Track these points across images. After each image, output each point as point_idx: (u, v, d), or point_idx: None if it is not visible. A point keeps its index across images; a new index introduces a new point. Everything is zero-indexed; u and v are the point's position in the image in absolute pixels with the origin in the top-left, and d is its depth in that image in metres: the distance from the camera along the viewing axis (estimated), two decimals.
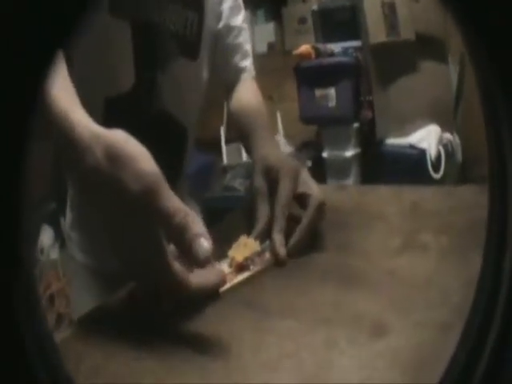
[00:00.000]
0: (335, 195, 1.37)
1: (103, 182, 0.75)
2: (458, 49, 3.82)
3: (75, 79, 0.96)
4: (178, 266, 0.77)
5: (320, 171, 4.06)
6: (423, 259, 0.92)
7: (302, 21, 5.41)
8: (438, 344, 0.67)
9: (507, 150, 0.50)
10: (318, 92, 4.01)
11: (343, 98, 3.94)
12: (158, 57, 1.32)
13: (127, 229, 0.78)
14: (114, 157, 0.74)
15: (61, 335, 0.83)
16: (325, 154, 4.03)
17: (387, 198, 1.32)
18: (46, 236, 4.37)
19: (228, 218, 1.38)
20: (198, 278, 0.79)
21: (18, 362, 0.50)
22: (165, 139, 1.41)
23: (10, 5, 0.42)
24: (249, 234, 1.01)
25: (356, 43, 4.11)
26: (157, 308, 0.83)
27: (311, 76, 4.07)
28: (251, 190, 1.15)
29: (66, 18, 0.46)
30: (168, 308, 0.82)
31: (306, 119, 4.19)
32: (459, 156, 3.94)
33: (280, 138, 4.92)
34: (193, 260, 0.74)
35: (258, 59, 5.68)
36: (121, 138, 0.78)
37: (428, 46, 4.05)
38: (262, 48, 5.79)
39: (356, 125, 3.98)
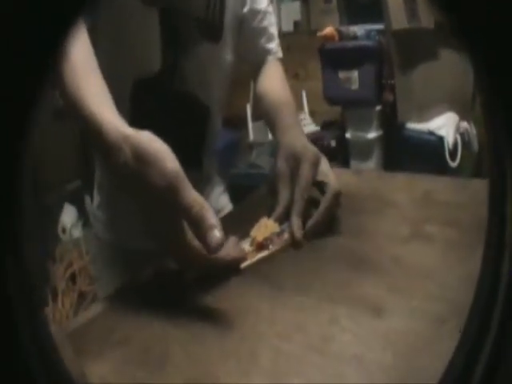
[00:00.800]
0: (353, 180, 1.45)
1: (132, 177, 0.86)
2: None
3: (104, 64, 1.06)
4: (197, 243, 0.87)
5: (343, 151, 4.21)
6: (428, 250, 0.99)
7: (328, 0, 5.47)
8: (430, 334, 0.74)
9: (506, 153, 0.51)
10: (342, 74, 4.09)
11: (366, 80, 4.02)
12: (180, 41, 1.37)
13: (154, 212, 0.89)
14: (141, 156, 0.85)
15: (91, 312, 0.91)
16: (348, 135, 4.13)
17: (402, 186, 1.38)
18: (69, 215, 4.44)
19: (251, 196, 1.45)
20: (221, 253, 0.87)
21: (17, 362, 0.52)
22: (188, 119, 1.46)
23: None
24: (269, 214, 1.09)
25: (379, 26, 4.16)
26: (180, 281, 0.93)
27: (335, 58, 4.15)
28: (274, 173, 1.21)
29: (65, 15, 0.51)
30: (190, 280, 0.92)
31: (330, 99, 4.27)
32: (475, 145, 3.98)
33: (305, 116, 4.97)
34: (206, 247, 0.84)
35: (284, 38, 5.73)
36: (147, 139, 0.88)
37: (448, 36, 4.04)
38: (289, 26, 5.80)
39: (378, 107, 4.06)
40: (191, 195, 0.86)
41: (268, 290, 0.88)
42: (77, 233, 4.33)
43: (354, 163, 4.11)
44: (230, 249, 0.94)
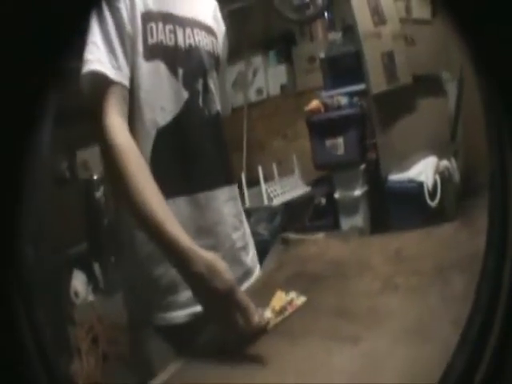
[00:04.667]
0: (340, 248, 1.89)
1: (203, 284, 1.35)
2: (457, 70, 4.33)
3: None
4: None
5: (332, 209, 4.67)
6: (395, 298, 1.34)
7: (311, 60, 5.85)
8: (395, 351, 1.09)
9: (508, 154, 0.63)
10: (328, 142, 4.60)
11: (350, 145, 4.52)
12: (191, 77, 1.75)
13: (215, 307, 1.39)
14: (212, 270, 1.34)
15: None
16: (336, 195, 4.60)
17: (378, 248, 1.78)
18: (79, 279, 4.70)
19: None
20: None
21: (17, 362, 0.65)
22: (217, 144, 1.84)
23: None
24: (283, 288, 1.51)
25: (360, 87, 4.64)
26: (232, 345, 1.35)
27: (321, 128, 4.66)
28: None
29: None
30: (234, 344, 1.34)
31: (319, 166, 4.84)
32: (456, 177, 4.38)
33: (296, 178, 5.36)
34: (253, 330, 1.33)
35: (272, 101, 6.12)
36: (214, 258, 1.38)
37: (425, 85, 4.51)
38: (276, 90, 6.18)
39: (362, 166, 4.54)
40: (242, 295, 1.35)
41: (283, 342, 1.28)
42: (90, 297, 4.64)
43: (343, 219, 4.59)
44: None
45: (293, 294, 1.47)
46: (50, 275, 3.39)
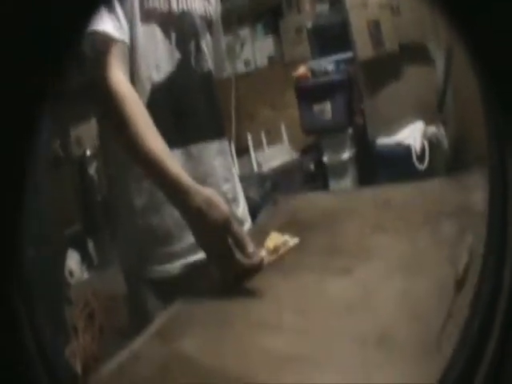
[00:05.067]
0: (331, 201, 1.99)
1: (201, 217, 1.45)
2: (444, 44, 4.33)
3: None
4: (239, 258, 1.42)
5: (322, 174, 4.79)
6: (382, 237, 1.44)
7: (299, 31, 5.82)
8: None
9: (507, 148, 0.62)
10: (316, 107, 4.69)
11: (338, 110, 4.62)
12: (185, 38, 1.83)
13: (212, 240, 1.46)
14: (210, 204, 1.44)
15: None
16: (325, 159, 4.71)
17: (368, 198, 1.89)
18: (73, 259, 4.76)
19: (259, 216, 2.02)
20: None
21: (17, 362, 0.65)
22: (209, 96, 1.92)
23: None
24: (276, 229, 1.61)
25: (347, 55, 4.74)
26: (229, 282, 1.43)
27: (309, 94, 4.76)
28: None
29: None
30: (232, 280, 1.42)
31: (307, 131, 4.94)
32: (445, 144, 4.43)
33: (285, 146, 5.43)
34: (251, 263, 1.39)
35: (260, 72, 6.13)
36: (212, 192, 1.48)
37: (412, 53, 4.55)
38: (263, 62, 6.21)
39: (350, 130, 4.65)
40: (238, 227, 1.44)
41: (276, 276, 1.38)
42: (84, 275, 4.77)
43: (332, 183, 4.70)
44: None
45: (286, 236, 1.56)
46: (47, 258, 3.36)
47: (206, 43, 1.93)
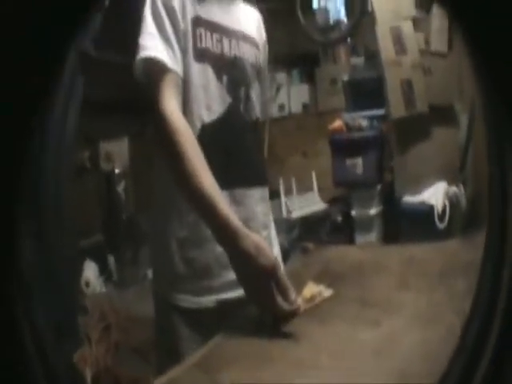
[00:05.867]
0: (358, 254, 2.18)
1: (249, 261, 1.53)
2: (469, 103, 4.55)
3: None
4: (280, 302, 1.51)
5: (349, 226, 5.01)
6: (407, 293, 1.60)
7: (334, 82, 6.10)
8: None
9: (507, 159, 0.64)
10: (349, 161, 4.94)
11: (369, 165, 4.87)
12: (236, 83, 1.92)
13: (257, 283, 1.54)
14: (258, 248, 1.53)
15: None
16: (353, 213, 4.93)
17: (391, 254, 2.11)
18: (91, 270, 4.77)
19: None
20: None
21: (17, 362, 0.65)
22: (252, 143, 2.02)
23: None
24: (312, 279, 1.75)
25: (380, 111, 5.02)
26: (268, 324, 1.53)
27: (343, 147, 5.01)
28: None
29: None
30: (270, 322, 1.53)
31: (338, 183, 5.18)
32: (463, 203, 4.65)
33: (314, 195, 5.63)
34: (292, 308, 1.49)
35: (294, 119, 6.27)
36: (261, 239, 1.58)
37: (440, 114, 4.79)
38: (298, 108, 6.42)
39: (379, 187, 4.90)
40: (283, 273, 1.54)
41: (312, 323, 1.50)
42: (102, 288, 4.81)
43: (358, 236, 4.91)
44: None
45: (321, 287, 1.68)
46: (63, 263, 3.44)
47: (255, 91, 2.02)
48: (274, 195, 5.23)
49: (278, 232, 4.59)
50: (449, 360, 0.75)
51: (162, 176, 1.90)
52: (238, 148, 1.93)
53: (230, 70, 1.91)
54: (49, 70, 0.65)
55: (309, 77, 6.50)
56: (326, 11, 5.99)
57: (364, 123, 5.04)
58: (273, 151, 6.11)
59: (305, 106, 6.43)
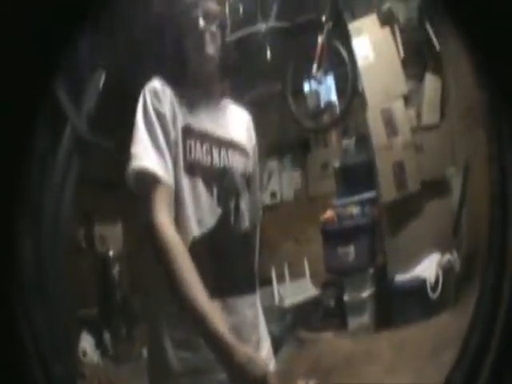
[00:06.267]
0: (348, 344, 2.14)
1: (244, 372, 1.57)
2: (461, 165, 4.53)
3: None
4: None
5: (341, 310, 4.97)
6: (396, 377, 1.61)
7: (325, 166, 6.10)
8: None
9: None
10: (341, 249, 5.01)
11: (361, 252, 4.93)
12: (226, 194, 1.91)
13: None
14: (251, 360, 1.57)
15: None
16: (346, 297, 4.90)
17: (382, 341, 2.06)
18: (87, 342, 4.82)
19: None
20: None
21: (17, 362, 0.66)
22: (242, 255, 2.00)
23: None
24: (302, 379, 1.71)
25: (371, 194, 5.05)
26: None
27: (334, 237, 5.07)
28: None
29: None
30: None
31: (330, 271, 5.21)
32: (457, 267, 4.56)
33: (306, 282, 5.58)
34: None
35: (286, 205, 6.25)
36: (253, 352, 1.64)
37: (431, 188, 4.81)
38: (289, 195, 6.41)
39: (371, 270, 4.89)
40: (273, 379, 1.58)
41: None
42: (98, 359, 4.82)
43: (351, 320, 4.84)
44: None
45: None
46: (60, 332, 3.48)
47: (245, 201, 2.01)
48: (267, 282, 5.24)
49: (271, 320, 4.56)
50: (451, 366, 0.76)
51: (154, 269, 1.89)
52: (229, 258, 1.93)
53: (219, 182, 1.91)
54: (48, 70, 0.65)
55: (300, 162, 6.49)
56: (317, 94, 5.98)
57: (355, 211, 5.10)
58: (265, 238, 6.02)
59: (296, 192, 6.39)
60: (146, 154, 1.75)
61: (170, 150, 1.79)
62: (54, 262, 3.42)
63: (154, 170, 1.73)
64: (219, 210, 1.89)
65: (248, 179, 2.06)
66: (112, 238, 5.37)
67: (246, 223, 2.00)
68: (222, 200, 1.91)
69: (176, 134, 1.82)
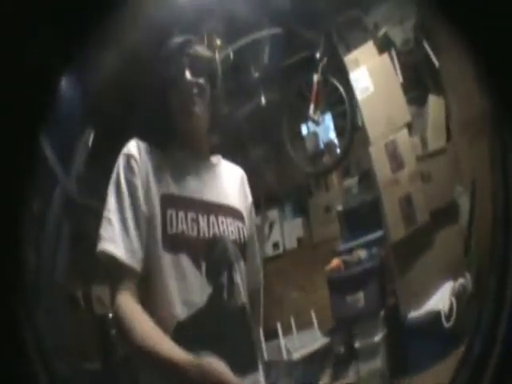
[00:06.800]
0: None
1: None
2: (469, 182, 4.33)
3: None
4: None
5: (352, 357, 4.74)
6: None
7: (327, 210, 5.87)
8: None
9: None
10: (349, 298, 4.79)
11: (371, 297, 4.70)
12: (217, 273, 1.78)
13: None
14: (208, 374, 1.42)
15: None
16: (356, 344, 4.70)
17: None
18: None
19: None
20: None
21: (17, 362, 0.67)
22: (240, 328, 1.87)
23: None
24: None
25: (378, 234, 4.79)
26: None
27: (342, 285, 4.86)
28: None
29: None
30: None
31: (338, 320, 4.95)
32: (470, 286, 4.28)
33: (315, 331, 5.30)
34: None
35: (289, 255, 6.18)
36: (210, 361, 1.47)
37: (440, 216, 4.56)
38: (292, 243, 6.13)
39: (382, 312, 4.65)
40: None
41: None
42: None
43: (362, 365, 4.64)
44: None
45: None
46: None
47: (240, 272, 1.88)
48: (272, 335, 5.05)
49: (279, 377, 4.42)
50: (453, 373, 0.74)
51: None
52: (224, 339, 1.79)
53: (208, 255, 1.79)
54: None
55: (302, 209, 6.29)
56: (315, 136, 5.87)
57: (363, 255, 4.85)
58: (269, 291, 5.94)
59: (299, 240, 6.17)
60: (111, 236, 1.67)
61: (139, 229, 1.68)
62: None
63: (117, 253, 1.64)
64: (209, 288, 1.78)
65: (243, 246, 1.94)
66: (109, 300, 5.15)
67: (242, 297, 1.88)
68: (212, 275, 1.79)
69: (151, 207, 1.71)
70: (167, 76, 1.86)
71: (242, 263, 1.93)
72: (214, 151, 2.03)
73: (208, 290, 1.77)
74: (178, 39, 1.90)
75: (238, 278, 1.88)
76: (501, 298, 0.69)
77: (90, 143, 4.10)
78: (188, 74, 1.83)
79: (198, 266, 1.75)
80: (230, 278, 1.84)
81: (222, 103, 2.04)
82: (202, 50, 1.91)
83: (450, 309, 4.21)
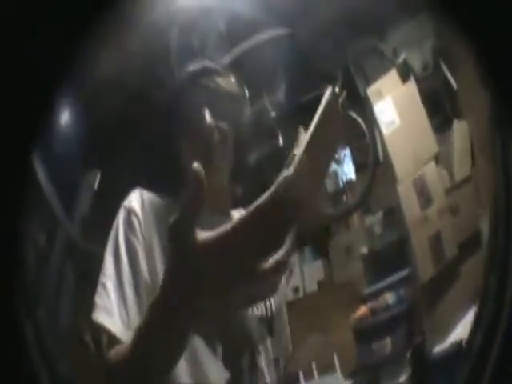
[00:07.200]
0: None
1: None
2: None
3: None
4: None
5: None
6: None
7: (349, 250, 5.79)
8: None
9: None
10: (375, 345, 4.49)
11: (398, 342, 4.47)
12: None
13: None
14: None
15: None
16: None
17: None
18: None
19: None
20: None
21: (18, 362, 0.70)
22: None
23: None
24: None
25: (404, 272, 4.56)
26: None
27: (369, 333, 4.57)
28: None
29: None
30: None
31: (364, 367, 4.63)
32: None
33: (337, 375, 5.21)
34: None
35: (310, 298, 6.11)
36: None
37: (466, 247, 4.38)
38: (313, 287, 6.07)
39: (408, 354, 4.36)
40: None
41: None
42: None
43: None
44: None
45: None
46: None
47: (265, 353, 1.72)
48: (294, 382, 4.96)
49: None
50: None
51: None
52: None
53: (225, 335, 1.67)
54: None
55: (322, 251, 6.21)
56: (335, 175, 5.81)
57: (391, 299, 4.63)
58: (291, 336, 5.95)
59: (320, 283, 6.09)
60: (107, 307, 1.59)
61: (138, 297, 1.57)
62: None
63: (111, 327, 1.62)
64: (227, 374, 1.64)
65: (271, 321, 1.79)
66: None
67: (266, 380, 1.73)
68: (231, 359, 1.65)
69: (154, 273, 1.59)
70: (177, 116, 1.62)
71: (269, 342, 1.74)
72: (236, 205, 1.80)
73: (225, 376, 1.63)
74: (192, 66, 1.65)
75: (264, 362, 1.73)
76: (501, 298, 0.71)
77: (95, 185, 4.00)
78: (208, 116, 1.59)
79: (213, 349, 1.62)
80: (253, 362, 1.71)
81: (248, 149, 1.83)
82: (225, 82, 1.65)
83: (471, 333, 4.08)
